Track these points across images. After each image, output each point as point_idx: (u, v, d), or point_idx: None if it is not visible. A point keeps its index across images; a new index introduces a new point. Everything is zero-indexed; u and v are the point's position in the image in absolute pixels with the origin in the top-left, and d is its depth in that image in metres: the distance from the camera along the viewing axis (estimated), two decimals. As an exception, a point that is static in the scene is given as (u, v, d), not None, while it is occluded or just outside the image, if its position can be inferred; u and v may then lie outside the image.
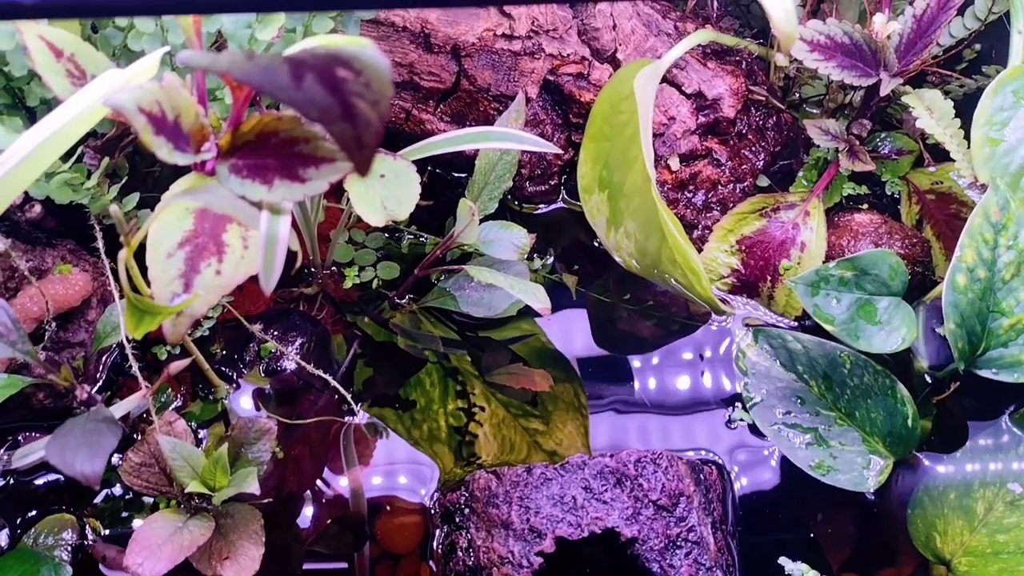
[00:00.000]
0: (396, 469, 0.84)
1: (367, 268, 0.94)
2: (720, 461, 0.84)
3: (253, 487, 0.70)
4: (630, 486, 0.73)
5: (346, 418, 0.86)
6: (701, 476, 0.78)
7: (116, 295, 0.74)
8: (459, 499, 0.77)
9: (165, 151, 0.56)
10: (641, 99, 0.83)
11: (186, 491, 0.72)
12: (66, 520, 0.77)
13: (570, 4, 0.96)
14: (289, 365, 0.87)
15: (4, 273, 0.75)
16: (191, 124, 0.58)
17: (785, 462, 0.84)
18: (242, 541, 0.72)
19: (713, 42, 0.99)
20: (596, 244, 0.97)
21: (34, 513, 0.80)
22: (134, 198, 0.78)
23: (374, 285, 0.93)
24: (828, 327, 0.81)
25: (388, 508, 0.82)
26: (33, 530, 0.77)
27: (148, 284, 0.63)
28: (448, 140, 0.79)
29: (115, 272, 0.76)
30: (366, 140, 0.45)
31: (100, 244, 0.75)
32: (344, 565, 0.81)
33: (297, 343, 0.88)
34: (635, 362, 0.92)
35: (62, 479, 0.82)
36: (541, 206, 1.00)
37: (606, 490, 0.73)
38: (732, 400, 0.88)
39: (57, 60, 0.67)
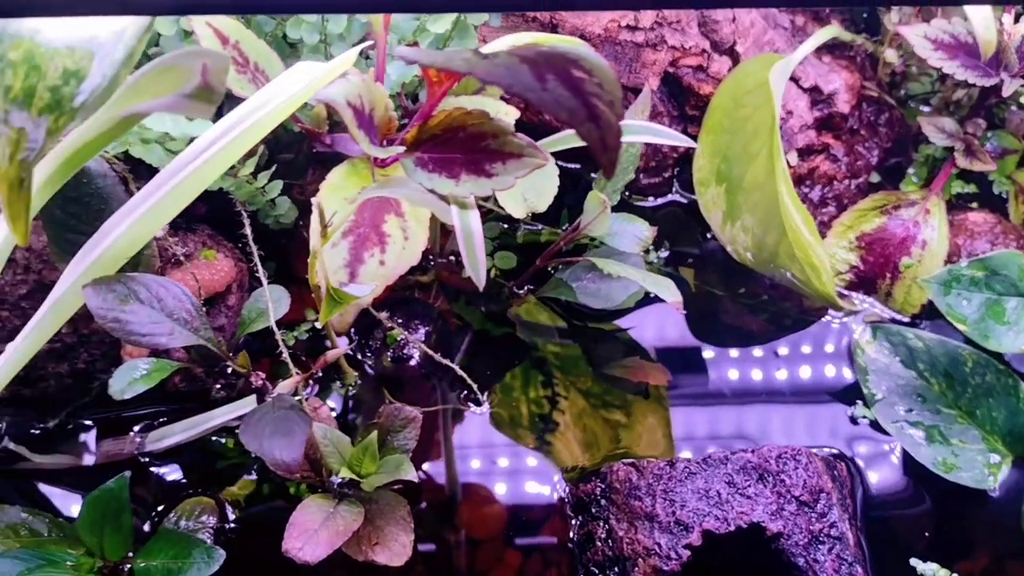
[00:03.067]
0: (511, 458, 0.85)
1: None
2: (846, 457, 0.84)
3: (410, 474, 0.71)
4: (772, 482, 0.74)
5: (469, 407, 0.87)
6: (835, 472, 0.78)
7: (264, 280, 0.75)
8: (594, 490, 0.78)
9: (365, 144, 0.56)
10: (775, 94, 0.83)
11: (339, 478, 0.73)
12: (205, 503, 0.78)
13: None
14: (414, 353, 0.87)
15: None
16: (381, 117, 0.59)
17: (907, 458, 0.85)
18: (390, 527, 0.73)
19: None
20: (708, 236, 0.97)
21: (169, 496, 0.80)
22: (277, 185, 0.78)
23: (492, 275, 0.94)
24: (960, 326, 0.82)
25: (489, 495, 0.82)
26: (173, 514, 0.78)
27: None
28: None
29: (263, 259, 0.77)
30: (610, 142, 0.46)
31: (248, 231, 0.75)
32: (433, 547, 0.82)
33: (422, 331, 0.88)
34: (749, 356, 0.92)
35: (193, 462, 0.83)
36: (650, 198, 1.01)
37: (749, 485, 0.74)
38: (847, 396, 0.89)
39: (223, 47, 0.67)
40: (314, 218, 0.69)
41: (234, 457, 0.82)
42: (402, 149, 0.58)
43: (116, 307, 0.57)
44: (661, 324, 0.94)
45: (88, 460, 0.82)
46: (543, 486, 0.83)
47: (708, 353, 0.92)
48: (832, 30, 0.91)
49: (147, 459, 0.82)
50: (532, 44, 0.50)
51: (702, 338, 0.93)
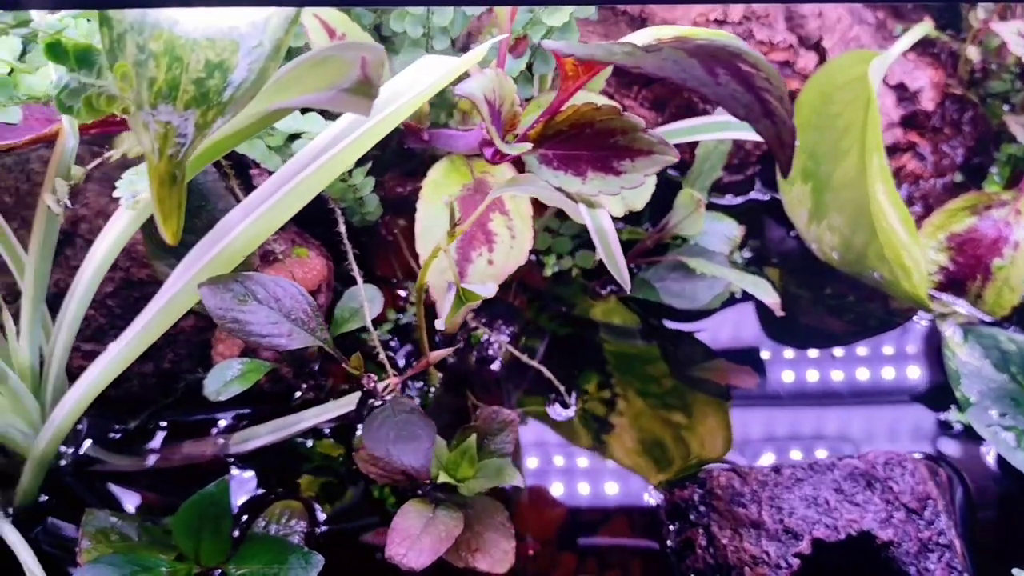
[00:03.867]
0: (598, 461, 0.83)
1: (565, 256, 0.92)
2: (944, 462, 0.82)
3: (515, 480, 0.69)
4: (880, 488, 0.72)
5: (553, 408, 0.85)
6: (938, 478, 0.77)
7: (359, 279, 0.73)
8: (691, 495, 0.76)
9: (497, 140, 0.54)
10: (874, 90, 0.81)
11: (437, 481, 0.71)
12: (294, 507, 0.76)
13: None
14: (499, 353, 0.85)
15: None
16: (507, 112, 0.57)
17: (1003, 463, 0.83)
18: (489, 533, 0.71)
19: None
20: (791, 235, 0.96)
21: (249, 499, 0.79)
22: (369, 182, 0.77)
23: (573, 274, 0.92)
24: (1065, 330, 0.80)
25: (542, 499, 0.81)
26: (261, 518, 0.75)
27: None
28: (689, 129, 0.78)
29: (357, 257, 0.75)
30: (786, 139, 0.44)
31: (342, 228, 0.73)
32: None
33: (506, 331, 0.86)
34: (835, 357, 0.90)
35: (278, 465, 0.81)
36: (729, 195, 0.99)
37: (857, 492, 0.72)
38: (938, 399, 0.87)
39: (331, 40, 0.66)
40: (420, 216, 0.67)
41: (318, 460, 0.81)
42: (529, 146, 0.56)
43: (235, 307, 0.55)
44: (742, 325, 0.92)
45: (168, 462, 0.80)
46: (634, 490, 0.81)
47: (793, 355, 0.90)
48: (926, 27, 0.90)
49: (231, 461, 0.80)
50: (681, 37, 0.48)
51: (787, 339, 0.91)
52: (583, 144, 0.57)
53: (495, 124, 0.54)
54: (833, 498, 0.72)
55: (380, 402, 0.63)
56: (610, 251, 0.57)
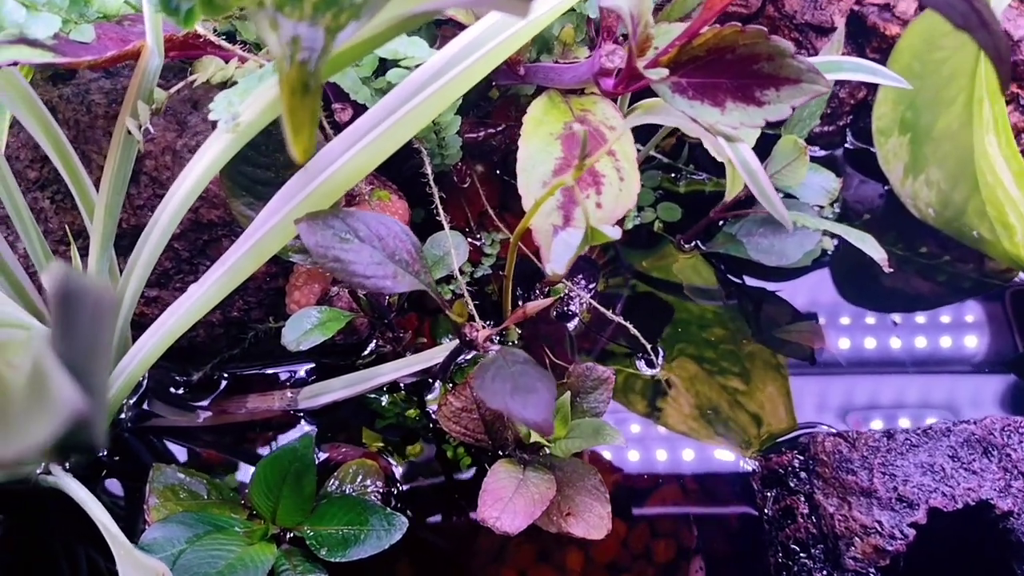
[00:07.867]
0: (689, 425, 0.79)
1: (646, 209, 0.87)
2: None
3: (618, 439, 0.64)
4: (998, 456, 0.68)
5: (639, 368, 0.80)
6: (1054, 447, 0.72)
7: (446, 225, 0.68)
8: (791, 462, 0.72)
9: (637, 61, 0.49)
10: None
11: (528, 442, 0.66)
12: (369, 466, 0.72)
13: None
14: (579, 310, 0.81)
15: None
16: (641, 33, 0.51)
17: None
18: (581, 496, 0.67)
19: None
20: (885, 189, 0.90)
21: (323, 457, 0.74)
22: (455, 122, 0.71)
23: (656, 227, 0.87)
24: None
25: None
26: (334, 478, 0.71)
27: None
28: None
29: (416, 201, 0.69)
30: (1003, 52, 0.39)
31: (428, 169, 0.68)
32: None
33: (588, 286, 0.81)
34: (934, 320, 0.85)
35: (349, 421, 0.76)
36: (816, 147, 0.93)
37: (974, 459, 0.68)
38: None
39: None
40: (522, 155, 0.62)
41: (392, 417, 0.76)
42: (666, 71, 0.51)
43: (336, 245, 0.50)
44: (830, 285, 0.88)
45: (232, 417, 0.76)
46: (727, 456, 0.77)
47: (889, 317, 0.86)
48: (1041, -35, 0.83)
49: (300, 416, 0.76)
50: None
51: (880, 301, 0.86)
52: (722, 71, 0.52)
53: (634, 43, 0.49)
54: (949, 465, 0.68)
55: (479, 353, 0.58)
56: (760, 186, 0.52)
